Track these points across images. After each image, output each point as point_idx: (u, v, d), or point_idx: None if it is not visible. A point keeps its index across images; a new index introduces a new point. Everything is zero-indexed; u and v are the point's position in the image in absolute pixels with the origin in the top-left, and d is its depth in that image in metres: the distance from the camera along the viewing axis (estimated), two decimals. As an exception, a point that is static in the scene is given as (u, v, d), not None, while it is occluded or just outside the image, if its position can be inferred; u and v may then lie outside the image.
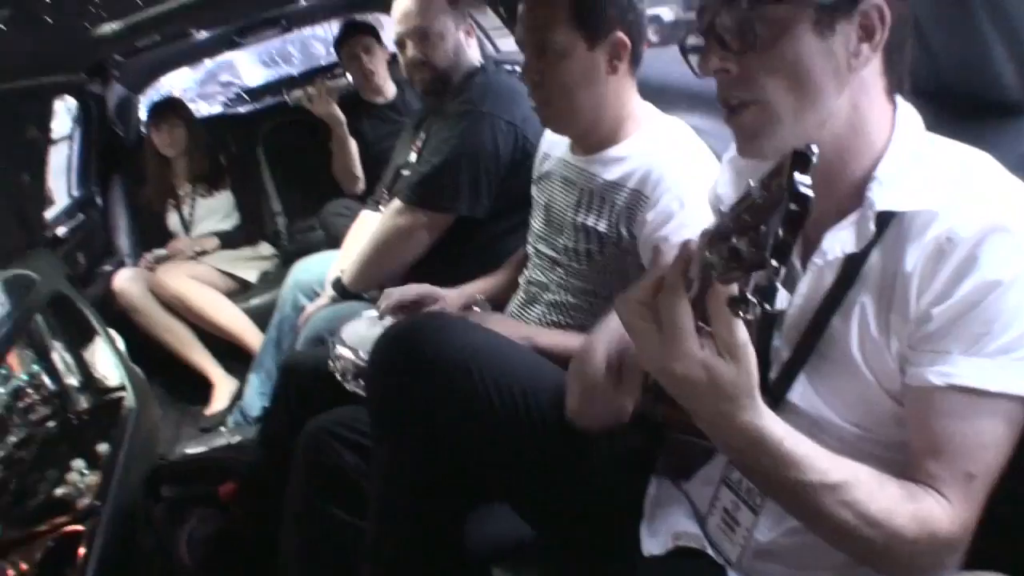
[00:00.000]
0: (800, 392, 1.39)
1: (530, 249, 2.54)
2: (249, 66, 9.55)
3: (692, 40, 1.45)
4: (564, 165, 2.37)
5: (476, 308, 2.64)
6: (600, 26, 2.12)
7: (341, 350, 2.41)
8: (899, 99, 1.38)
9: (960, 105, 1.73)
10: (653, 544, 1.61)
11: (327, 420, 2.28)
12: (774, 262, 0.95)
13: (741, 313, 1.02)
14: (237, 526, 2.70)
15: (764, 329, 1.45)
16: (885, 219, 1.30)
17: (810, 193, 0.95)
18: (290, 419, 2.54)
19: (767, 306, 1.00)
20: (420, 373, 1.80)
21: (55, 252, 4.10)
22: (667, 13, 8.70)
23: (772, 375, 1.41)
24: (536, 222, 2.50)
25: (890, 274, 1.29)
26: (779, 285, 0.99)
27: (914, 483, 1.25)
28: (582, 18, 2.12)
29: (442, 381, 1.78)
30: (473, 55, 3.23)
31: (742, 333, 1.13)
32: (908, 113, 1.38)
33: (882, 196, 1.29)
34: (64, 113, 4.94)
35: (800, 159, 0.97)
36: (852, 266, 1.34)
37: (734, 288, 1.03)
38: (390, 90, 4.59)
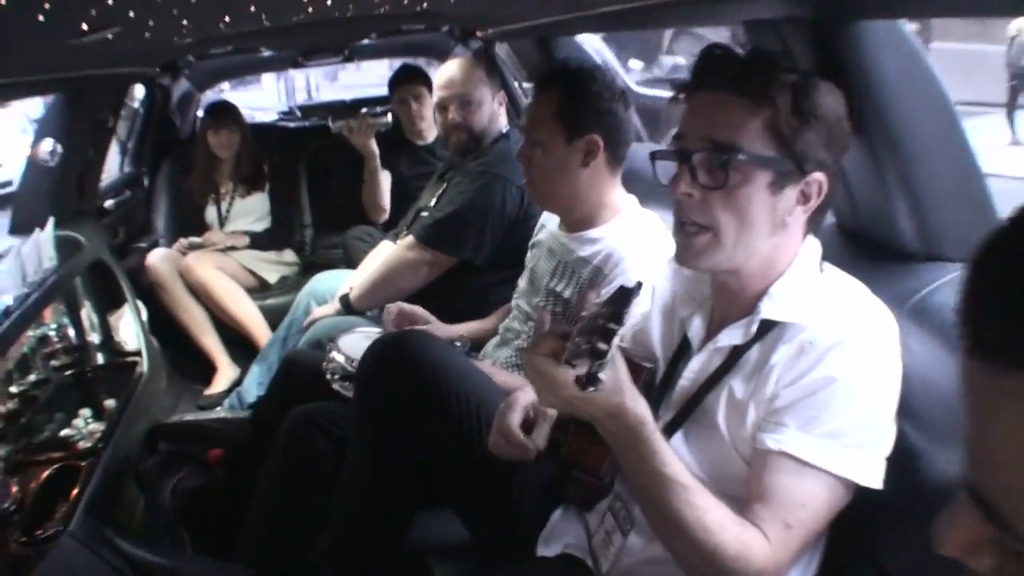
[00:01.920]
0: (674, 447, 1.70)
1: (513, 302, 2.88)
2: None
3: (663, 154, 1.76)
4: (552, 237, 2.70)
5: (457, 344, 2.95)
6: (578, 126, 2.47)
7: (335, 354, 2.76)
8: (809, 236, 1.73)
9: (872, 246, 2.10)
10: (546, 550, 1.95)
11: (311, 409, 2.62)
12: (594, 362, 1.41)
13: (581, 385, 1.43)
14: (218, 486, 2.97)
15: (655, 398, 1.83)
16: (768, 325, 1.67)
17: (617, 327, 1.42)
18: (281, 405, 2.80)
19: (590, 388, 1.42)
20: (400, 376, 2.16)
21: (100, 221, 4.38)
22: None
23: None
24: (522, 281, 2.85)
25: (761, 364, 1.65)
26: (601, 376, 1.41)
27: (745, 520, 1.57)
28: (564, 118, 2.47)
29: (417, 385, 2.14)
30: (502, 121, 3.58)
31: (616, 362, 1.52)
32: (810, 247, 1.73)
33: (768, 308, 1.67)
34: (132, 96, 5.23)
35: (625, 294, 1.49)
36: (735, 356, 1.71)
37: (581, 368, 1.44)
38: (431, 135, 4.78)
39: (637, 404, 1.55)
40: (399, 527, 2.27)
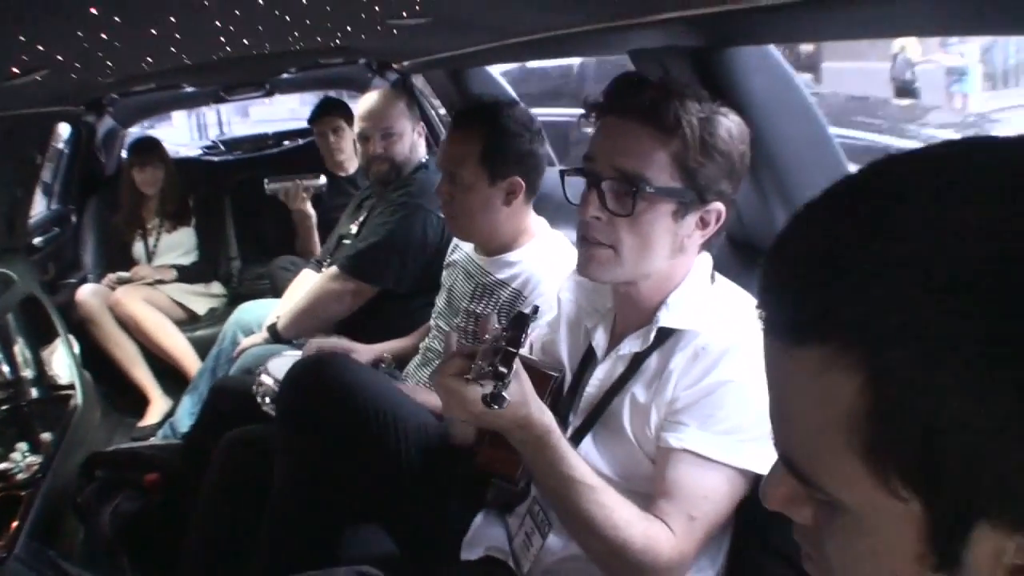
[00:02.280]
0: (584, 449, 1.86)
1: (432, 322, 3.01)
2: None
3: (572, 172, 1.88)
4: (468, 260, 2.83)
5: (382, 364, 3.09)
6: (501, 170, 2.59)
7: (264, 377, 2.87)
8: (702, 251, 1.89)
9: (758, 254, 2.28)
10: (470, 553, 2.07)
11: (244, 432, 2.72)
12: (493, 383, 1.56)
13: (487, 404, 1.57)
14: (154, 510, 3.03)
15: (563, 404, 1.98)
16: (666, 333, 1.83)
17: (515, 350, 1.58)
18: (213, 429, 2.90)
19: (494, 406, 1.56)
20: (319, 396, 2.28)
21: (30, 258, 4.42)
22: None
23: (567, 435, 1.86)
24: (440, 301, 2.98)
25: (660, 370, 1.81)
26: (505, 395, 1.56)
27: (651, 515, 1.71)
28: (487, 161, 2.58)
29: (336, 405, 2.25)
30: (421, 151, 3.69)
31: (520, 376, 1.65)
32: (702, 260, 1.89)
33: (665, 317, 1.83)
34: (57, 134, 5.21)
35: (522, 319, 1.66)
36: (636, 362, 1.86)
37: (486, 387, 1.58)
38: (352, 166, 4.93)
39: (543, 414, 1.69)
40: (329, 544, 2.33)
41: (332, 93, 6.12)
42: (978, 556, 0.65)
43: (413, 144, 3.65)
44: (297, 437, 2.33)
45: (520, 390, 1.64)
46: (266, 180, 4.96)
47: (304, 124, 5.66)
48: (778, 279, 0.73)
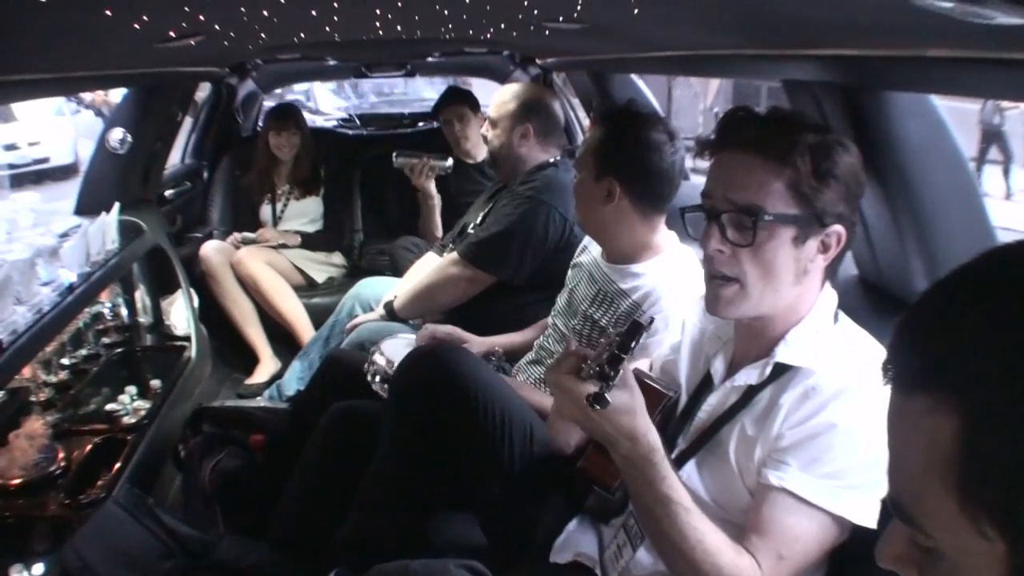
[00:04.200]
0: (687, 473, 1.86)
1: (550, 320, 3.00)
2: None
3: (692, 209, 1.89)
4: (594, 264, 2.82)
5: (492, 357, 3.07)
6: (604, 167, 2.63)
7: (378, 357, 2.88)
8: (827, 285, 1.85)
9: (890, 299, 2.26)
10: (559, 556, 2.08)
11: (351, 405, 2.75)
12: (601, 383, 1.65)
13: (590, 403, 1.64)
14: (255, 470, 3.08)
15: (674, 425, 1.97)
16: (782, 368, 1.79)
17: (623, 355, 1.66)
18: (321, 399, 2.92)
19: (596, 406, 1.64)
20: (432, 384, 2.29)
21: (160, 209, 4.53)
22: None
23: (672, 456, 1.85)
24: (561, 300, 2.97)
25: (771, 406, 1.78)
26: (608, 397, 1.63)
27: (741, 547, 1.69)
28: (597, 156, 2.64)
29: (447, 393, 2.26)
30: (530, 152, 3.67)
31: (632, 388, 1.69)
32: (827, 296, 1.86)
33: (783, 352, 1.80)
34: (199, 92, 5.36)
35: (636, 328, 1.70)
36: (749, 394, 1.83)
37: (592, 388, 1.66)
38: (479, 154, 4.93)
39: (649, 432, 1.70)
40: (418, 523, 2.38)
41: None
42: None
43: (510, 141, 3.68)
44: (405, 421, 2.35)
45: (631, 402, 1.68)
46: (395, 153, 5.02)
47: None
48: (901, 334, 0.82)
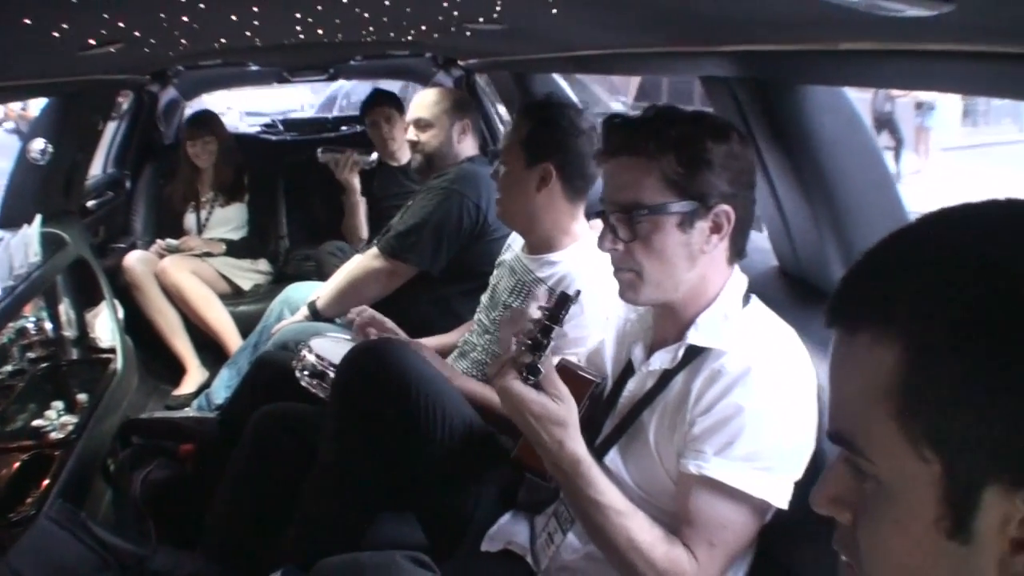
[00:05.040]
0: (611, 459, 1.92)
1: (476, 316, 3.05)
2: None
3: (593, 215, 2.03)
4: (515, 258, 2.88)
5: None
6: (536, 154, 2.69)
7: (306, 353, 2.85)
8: (735, 267, 1.93)
9: (808, 288, 2.32)
10: (490, 545, 2.14)
11: (277, 409, 2.76)
12: (533, 355, 1.76)
13: (523, 375, 1.75)
14: (186, 480, 3.06)
15: (600, 411, 2.02)
16: (695, 351, 1.85)
17: (554, 324, 1.78)
18: (251, 403, 2.91)
19: (530, 377, 1.77)
20: (376, 381, 2.30)
21: (82, 220, 4.47)
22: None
23: (597, 442, 1.94)
24: (485, 296, 3.02)
25: (685, 390, 1.83)
26: (540, 367, 1.75)
27: (675, 539, 1.75)
28: (528, 144, 2.70)
29: (392, 391, 2.27)
30: (464, 149, 3.78)
31: (561, 385, 1.77)
32: (736, 280, 1.93)
33: (694, 336, 1.86)
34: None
35: (564, 299, 1.80)
36: (665, 379, 1.89)
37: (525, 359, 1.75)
38: (404, 156, 4.89)
39: (576, 443, 1.77)
40: (362, 525, 2.38)
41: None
42: (987, 524, 0.77)
43: (448, 139, 3.77)
44: (350, 418, 2.35)
45: (566, 414, 1.77)
46: (320, 149, 5.05)
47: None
48: (852, 278, 0.89)
